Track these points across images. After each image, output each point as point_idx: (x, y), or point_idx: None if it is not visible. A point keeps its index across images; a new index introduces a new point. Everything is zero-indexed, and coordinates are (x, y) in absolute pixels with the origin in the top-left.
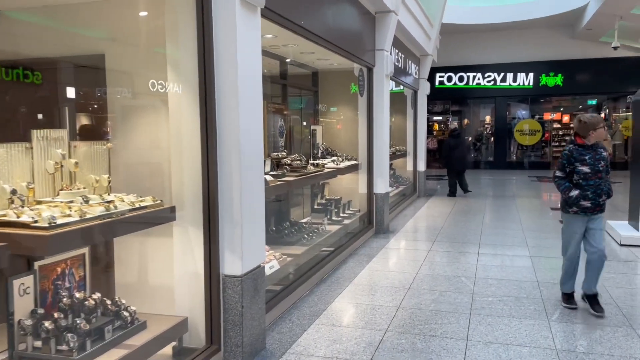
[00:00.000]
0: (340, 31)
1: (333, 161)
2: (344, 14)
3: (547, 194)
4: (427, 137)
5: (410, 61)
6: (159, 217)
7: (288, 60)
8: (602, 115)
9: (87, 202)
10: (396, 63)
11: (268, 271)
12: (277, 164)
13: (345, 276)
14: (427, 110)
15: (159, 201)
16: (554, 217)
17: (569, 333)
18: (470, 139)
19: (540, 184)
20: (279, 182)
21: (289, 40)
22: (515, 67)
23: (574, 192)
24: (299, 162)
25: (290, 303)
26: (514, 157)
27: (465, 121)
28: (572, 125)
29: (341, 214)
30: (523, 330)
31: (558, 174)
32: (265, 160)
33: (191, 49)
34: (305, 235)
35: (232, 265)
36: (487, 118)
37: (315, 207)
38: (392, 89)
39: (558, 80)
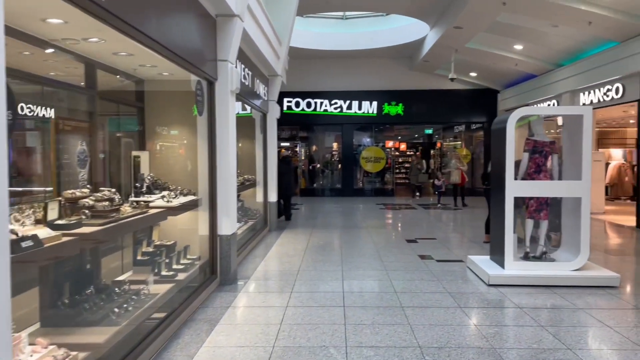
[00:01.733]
0: (169, 29)
1: (163, 197)
2: (175, 10)
3: (395, 221)
4: None
5: (258, 80)
6: None
7: (118, 72)
8: (438, 144)
9: None
10: (243, 80)
11: None
12: (72, 207)
13: None
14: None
15: None
16: (411, 250)
17: None
18: (318, 165)
19: (387, 211)
20: (66, 239)
21: (92, 32)
22: (361, 95)
23: None
24: (106, 202)
25: None
26: (361, 184)
27: (314, 147)
28: (409, 153)
29: (175, 265)
30: None
31: None
32: (47, 203)
33: None
34: (116, 309)
35: None
36: (335, 145)
37: (140, 258)
38: (239, 113)
39: (399, 109)
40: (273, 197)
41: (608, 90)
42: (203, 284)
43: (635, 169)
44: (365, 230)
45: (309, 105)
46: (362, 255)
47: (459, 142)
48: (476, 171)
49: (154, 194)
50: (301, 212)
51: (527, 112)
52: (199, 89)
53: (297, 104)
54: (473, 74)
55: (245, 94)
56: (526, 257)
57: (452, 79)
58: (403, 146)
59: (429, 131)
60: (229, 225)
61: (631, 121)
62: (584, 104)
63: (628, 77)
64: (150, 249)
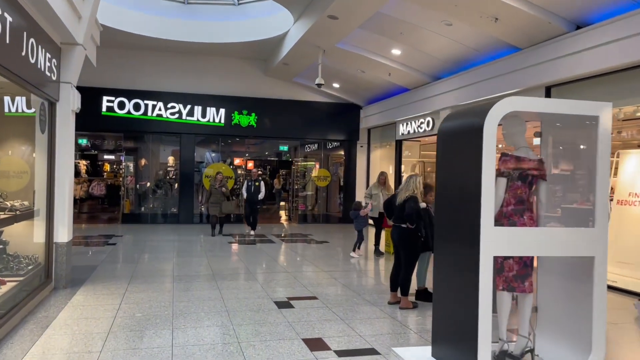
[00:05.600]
0: None
1: None
2: None
3: (251, 265)
4: (94, 181)
5: (35, 43)
6: None
7: None
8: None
9: None
10: None
11: None
12: None
13: None
14: (95, 145)
15: None
16: (288, 327)
17: None
18: (148, 184)
19: (239, 247)
20: None
21: None
22: (205, 100)
23: None
24: None
25: None
26: (203, 209)
27: (143, 162)
28: (259, 172)
29: None
30: None
31: None
32: None
33: None
34: None
35: None
36: (171, 159)
37: None
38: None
39: (252, 120)
40: (63, 235)
41: None
42: None
43: None
44: (210, 285)
45: (137, 107)
46: (211, 348)
47: (312, 162)
48: (334, 196)
49: None
50: (118, 249)
51: (521, 105)
52: None
53: (122, 105)
54: (336, 85)
55: None
56: (502, 357)
57: (318, 85)
58: (250, 164)
59: (285, 148)
60: None
61: None
62: None
63: (531, 89)
64: None
